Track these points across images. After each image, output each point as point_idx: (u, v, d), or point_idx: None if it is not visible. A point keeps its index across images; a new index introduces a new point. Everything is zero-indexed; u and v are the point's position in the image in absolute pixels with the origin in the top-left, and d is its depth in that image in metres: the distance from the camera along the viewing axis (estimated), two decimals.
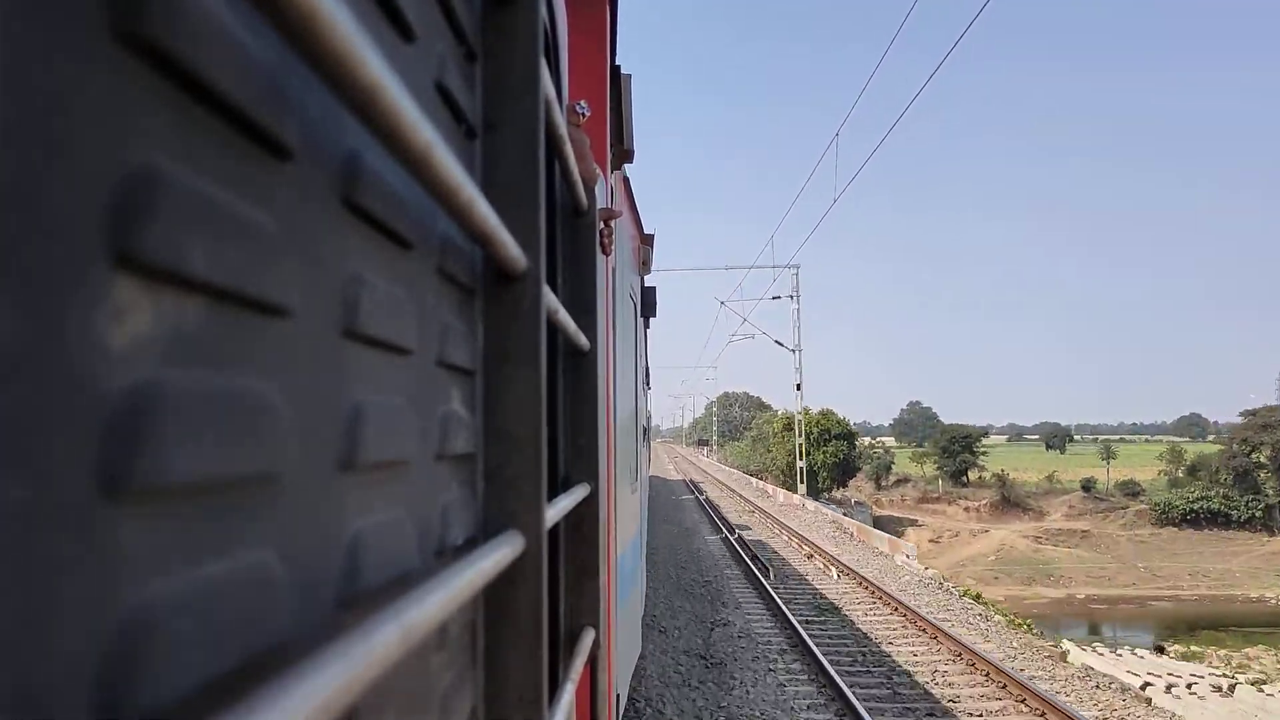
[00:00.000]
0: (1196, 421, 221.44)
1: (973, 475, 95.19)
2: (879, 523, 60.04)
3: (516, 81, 1.12)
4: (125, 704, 0.40)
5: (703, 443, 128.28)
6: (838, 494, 76.76)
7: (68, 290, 0.37)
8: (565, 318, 1.68)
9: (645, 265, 8.23)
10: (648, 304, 9.20)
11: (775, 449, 79.46)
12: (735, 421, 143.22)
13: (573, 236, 2.07)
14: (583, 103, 2.25)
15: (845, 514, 38.02)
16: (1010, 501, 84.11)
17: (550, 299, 1.34)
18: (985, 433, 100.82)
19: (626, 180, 6.03)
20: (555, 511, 1.40)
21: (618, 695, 4.46)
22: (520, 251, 1.03)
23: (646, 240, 8.30)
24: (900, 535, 61.05)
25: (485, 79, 1.12)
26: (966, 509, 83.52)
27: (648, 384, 15.37)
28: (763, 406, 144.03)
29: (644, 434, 10.59)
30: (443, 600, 0.66)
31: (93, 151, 0.38)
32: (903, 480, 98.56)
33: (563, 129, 1.66)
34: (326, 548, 0.65)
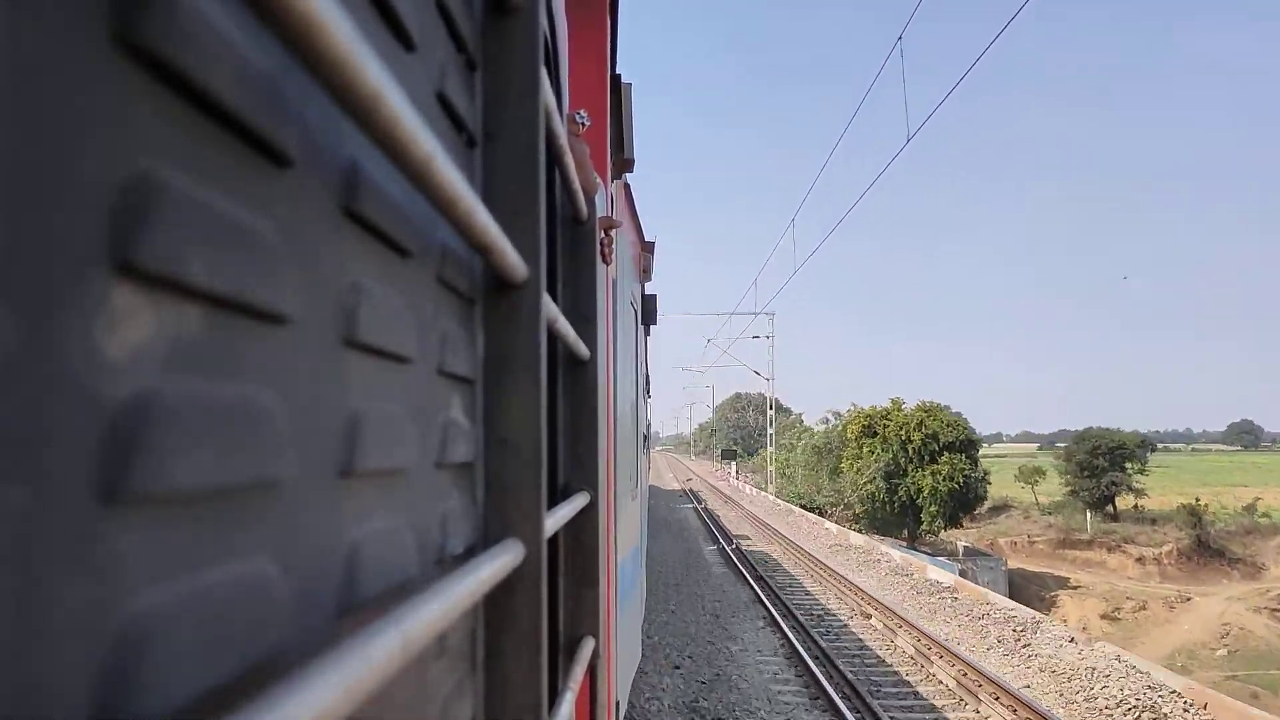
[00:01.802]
0: (1249, 429, 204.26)
1: (1121, 503, 63.46)
2: (1014, 585, 38.72)
3: (517, 91, 1.12)
4: (123, 711, 0.40)
5: (730, 455, 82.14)
6: (945, 537, 48.80)
7: (67, 297, 0.37)
8: (565, 326, 1.68)
9: (646, 273, 8.24)
10: (648, 312, 9.20)
11: (850, 468, 50.46)
12: (750, 427, 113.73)
13: (573, 245, 2.07)
14: (583, 112, 2.25)
15: (962, 572, 27.52)
16: (1208, 548, 52.64)
17: (550, 308, 1.34)
18: (1145, 442, 68.35)
19: (627, 188, 6.04)
20: (555, 520, 1.40)
21: (617, 703, 4.45)
22: (520, 260, 1.04)
23: (647, 248, 8.30)
24: (1049, 604, 39.70)
25: (485, 88, 1.13)
26: (1140, 559, 52.12)
27: (648, 392, 15.37)
28: (781, 410, 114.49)
29: (644, 442, 10.58)
30: (442, 609, 0.66)
31: (92, 159, 0.38)
32: (1000, 508, 66.03)
33: (563, 138, 1.66)
34: (326, 556, 0.65)
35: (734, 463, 79.45)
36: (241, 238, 0.51)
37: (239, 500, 0.51)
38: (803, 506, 44.93)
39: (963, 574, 26.29)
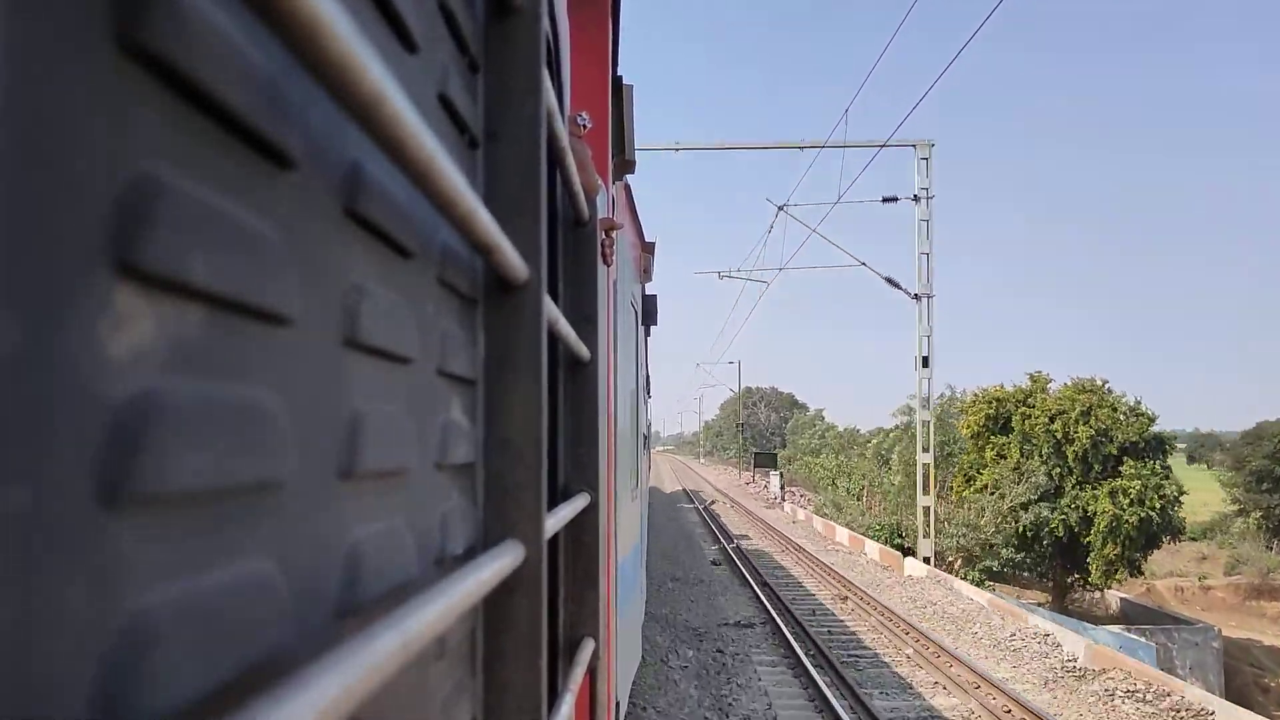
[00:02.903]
0: None
1: None
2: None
3: (518, 92, 1.12)
4: (124, 711, 0.40)
5: (768, 461, 56.45)
6: (1113, 591, 30.96)
7: (69, 298, 0.37)
8: (566, 327, 1.68)
9: (646, 274, 8.26)
10: (648, 313, 9.22)
11: (962, 485, 30.67)
12: (761, 426, 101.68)
13: (574, 247, 2.07)
14: (584, 114, 2.25)
15: (1159, 649, 19.38)
16: None
17: (551, 309, 1.34)
18: None
19: (628, 189, 6.05)
20: (555, 521, 1.39)
21: (617, 704, 4.45)
22: (521, 261, 1.04)
23: (647, 248, 8.33)
24: None
25: (487, 89, 1.13)
26: None
27: (648, 393, 15.36)
28: (797, 405, 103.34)
29: (644, 442, 10.59)
30: (442, 610, 0.66)
31: (95, 160, 0.39)
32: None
33: (564, 140, 1.66)
34: (326, 557, 0.65)
35: (778, 474, 50.84)
36: (243, 239, 0.51)
37: (240, 501, 0.51)
38: (899, 548, 25.59)
39: (1160, 649, 18.51)
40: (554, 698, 1.56)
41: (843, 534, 28.68)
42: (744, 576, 19.67)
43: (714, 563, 22.54)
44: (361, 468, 0.71)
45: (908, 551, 24.50)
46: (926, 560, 23.02)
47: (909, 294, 24.58)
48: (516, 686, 1.09)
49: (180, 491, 0.45)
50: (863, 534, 27.98)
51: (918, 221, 24.62)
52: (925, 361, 24.41)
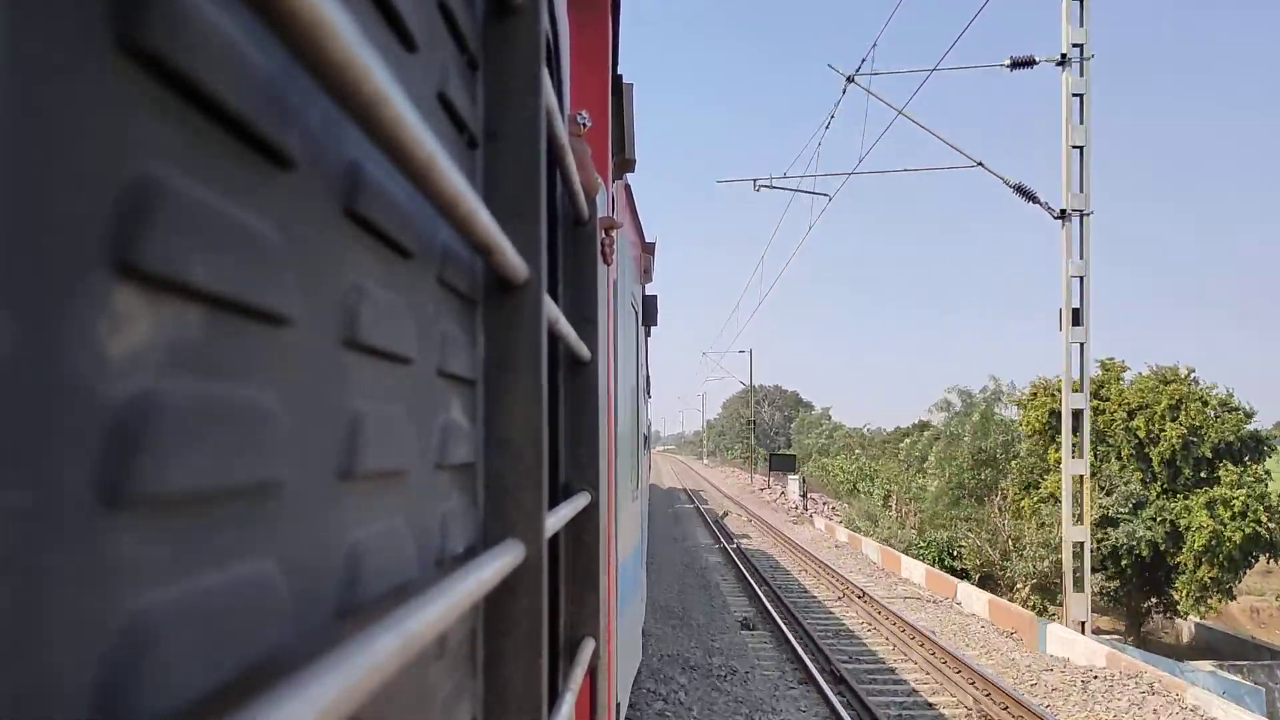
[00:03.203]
0: None
1: None
2: None
3: (518, 91, 1.12)
4: (125, 711, 0.40)
5: (785, 464, 47.82)
6: (1206, 621, 25.22)
7: (68, 298, 0.37)
8: (566, 327, 1.68)
9: (647, 274, 8.27)
10: (649, 313, 9.22)
11: (1018, 494, 25.71)
12: (765, 425, 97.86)
13: (574, 246, 2.07)
14: (584, 113, 2.25)
15: (1265, 692, 14.69)
16: None
17: (551, 308, 1.34)
18: None
19: (628, 189, 6.05)
20: (555, 520, 1.40)
21: (618, 704, 4.45)
22: (521, 261, 1.04)
23: (648, 249, 8.34)
24: None
25: (487, 88, 1.13)
26: None
27: (649, 393, 15.34)
28: (802, 404, 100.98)
29: (645, 443, 10.59)
30: (442, 610, 0.66)
31: (95, 161, 0.39)
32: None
33: (564, 139, 1.66)
34: (326, 557, 0.65)
35: (798, 479, 44.51)
36: (243, 239, 0.51)
37: (240, 501, 0.52)
38: (950, 569, 22.36)
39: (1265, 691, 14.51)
40: (554, 698, 1.56)
41: (913, 567, 21.08)
42: (798, 657, 12.03)
43: (745, 625, 14.73)
44: (361, 468, 0.71)
45: (962, 575, 19.06)
46: (1081, 627, 14.80)
47: (1049, 211, 15.57)
48: (517, 686, 1.09)
49: (180, 492, 0.45)
50: (903, 550, 22.95)
51: (1067, 97, 15.04)
52: (1076, 317, 14.96)
